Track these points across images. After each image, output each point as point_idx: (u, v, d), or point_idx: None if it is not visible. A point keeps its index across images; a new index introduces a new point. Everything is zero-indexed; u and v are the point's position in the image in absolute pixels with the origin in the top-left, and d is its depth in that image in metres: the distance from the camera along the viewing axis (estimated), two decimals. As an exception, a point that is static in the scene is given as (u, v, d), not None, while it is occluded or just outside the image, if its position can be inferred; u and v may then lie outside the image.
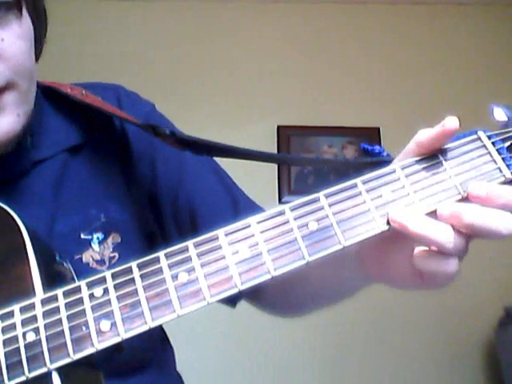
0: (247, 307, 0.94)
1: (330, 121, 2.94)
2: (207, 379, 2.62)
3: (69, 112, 0.88)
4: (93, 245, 0.82)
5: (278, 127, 2.98)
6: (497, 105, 0.68)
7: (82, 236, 0.83)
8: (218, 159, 0.91)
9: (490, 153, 0.61)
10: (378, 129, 2.80)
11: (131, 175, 0.89)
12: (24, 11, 0.77)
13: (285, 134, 2.96)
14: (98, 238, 0.83)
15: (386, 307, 2.70)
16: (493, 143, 0.62)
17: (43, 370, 0.57)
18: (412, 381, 2.79)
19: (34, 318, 0.59)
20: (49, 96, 0.88)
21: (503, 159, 0.61)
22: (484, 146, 0.62)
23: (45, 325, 0.59)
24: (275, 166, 2.89)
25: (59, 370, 0.58)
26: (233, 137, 2.88)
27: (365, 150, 0.67)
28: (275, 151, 2.92)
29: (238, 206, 0.89)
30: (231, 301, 0.91)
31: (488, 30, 3.15)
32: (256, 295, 0.90)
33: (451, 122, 0.58)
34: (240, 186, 0.93)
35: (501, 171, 0.60)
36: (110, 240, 0.83)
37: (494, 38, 3.14)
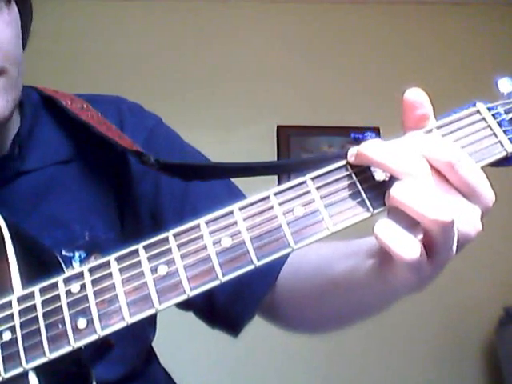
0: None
1: (329, 121, 2.91)
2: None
3: (65, 124, 0.86)
4: (74, 263, 0.80)
5: (278, 127, 2.95)
6: (501, 76, 0.63)
7: (64, 252, 0.80)
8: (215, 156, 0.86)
9: (489, 126, 0.56)
10: (378, 129, 2.75)
11: (129, 193, 0.86)
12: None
13: (284, 133, 2.94)
14: (79, 256, 0.81)
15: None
16: (493, 115, 0.57)
17: (19, 369, 0.55)
18: (412, 380, 2.76)
19: (11, 317, 0.57)
20: (48, 105, 0.87)
21: (505, 132, 0.56)
22: (483, 118, 0.57)
23: (21, 323, 0.56)
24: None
25: (38, 369, 0.56)
26: (232, 137, 2.89)
27: (356, 140, 0.63)
28: (275, 151, 2.92)
29: None
30: (234, 328, 0.87)
31: (488, 30, 3.11)
32: (270, 311, 0.86)
33: (407, 94, 0.56)
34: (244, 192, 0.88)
35: (502, 145, 0.56)
36: (91, 259, 0.80)
37: (493, 37, 3.09)
